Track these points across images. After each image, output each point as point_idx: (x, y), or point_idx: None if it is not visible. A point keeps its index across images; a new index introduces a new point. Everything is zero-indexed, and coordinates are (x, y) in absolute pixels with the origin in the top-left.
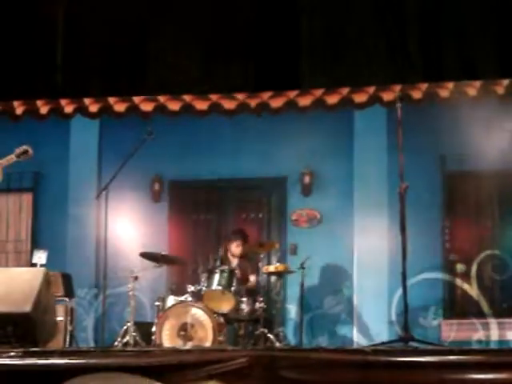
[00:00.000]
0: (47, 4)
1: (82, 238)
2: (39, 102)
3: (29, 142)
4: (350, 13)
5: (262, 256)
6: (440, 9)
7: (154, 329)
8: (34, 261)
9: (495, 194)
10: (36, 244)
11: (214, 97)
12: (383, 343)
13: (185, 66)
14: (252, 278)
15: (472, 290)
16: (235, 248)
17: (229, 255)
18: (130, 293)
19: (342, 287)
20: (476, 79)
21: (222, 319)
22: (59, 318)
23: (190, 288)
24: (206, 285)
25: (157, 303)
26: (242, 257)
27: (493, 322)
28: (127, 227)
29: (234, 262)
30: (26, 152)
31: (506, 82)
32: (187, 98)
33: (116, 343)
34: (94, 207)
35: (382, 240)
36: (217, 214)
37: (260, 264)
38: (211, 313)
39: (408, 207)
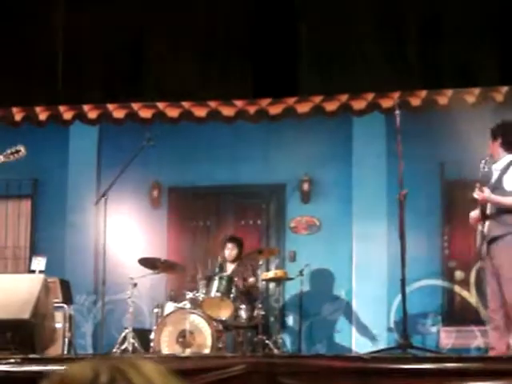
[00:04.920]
0: (47, 12)
1: (81, 244)
2: (38, 109)
3: (28, 149)
4: (349, 20)
5: (260, 263)
6: (439, 16)
7: (152, 335)
8: (32, 267)
9: None
10: (35, 250)
11: (212, 103)
12: (382, 350)
13: (183, 72)
14: (251, 279)
15: (471, 297)
16: (229, 252)
17: (225, 261)
18: (129, 299)
19: (341, 294)
20: (475, 86)
21: (220, 326)
22: (58, 325)
23: (189, 295)
24: (204, 291)
25: (155, 310)
26: (236, 262)
27: None
28: (126, 234)
29: (230, 268)
30: (17, 152)
31: (504, 89)
32: (186, 104)
33: (114, 350)
34: (92, 213)
35: (381, 247)
36: (215, 221)
37: (259, 271)
38: (210, 320)
39: (407, 214)
